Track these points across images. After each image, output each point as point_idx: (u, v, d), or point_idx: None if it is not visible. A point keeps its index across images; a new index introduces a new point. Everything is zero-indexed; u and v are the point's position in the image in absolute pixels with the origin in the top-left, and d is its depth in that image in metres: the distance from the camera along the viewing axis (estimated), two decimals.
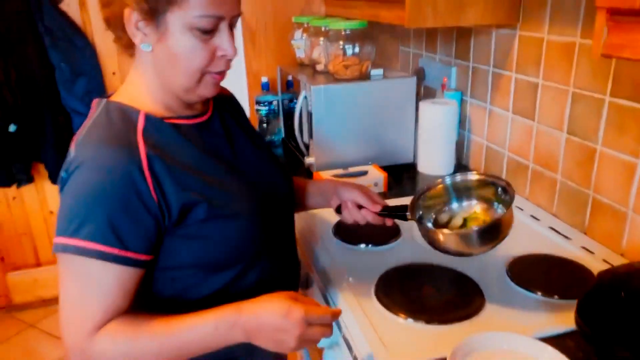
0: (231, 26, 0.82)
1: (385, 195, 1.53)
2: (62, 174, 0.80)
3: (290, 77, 2.06)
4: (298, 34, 2.01)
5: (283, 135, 2.09)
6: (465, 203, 1.04)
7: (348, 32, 1.65)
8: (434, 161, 1.67)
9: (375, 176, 1.54)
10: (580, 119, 1.21)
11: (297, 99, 1.73)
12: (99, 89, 2.40)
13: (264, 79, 2.11)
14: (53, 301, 2.72)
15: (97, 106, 0.85)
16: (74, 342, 0.76)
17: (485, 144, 1.61)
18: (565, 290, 1.00)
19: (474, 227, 0.97)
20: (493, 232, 0.93)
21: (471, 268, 1.08)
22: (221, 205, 0.84)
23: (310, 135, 1.66)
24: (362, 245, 1.21)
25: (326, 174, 1.55)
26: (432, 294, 1.04)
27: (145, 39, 0.80)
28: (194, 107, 0.92)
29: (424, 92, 1.86)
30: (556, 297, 0.99)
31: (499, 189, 0.99)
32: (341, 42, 1.66)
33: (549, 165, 1.34)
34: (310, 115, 1.64)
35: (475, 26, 1.54)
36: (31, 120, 2.32)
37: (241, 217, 0.87)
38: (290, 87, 2.01)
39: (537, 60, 1.32)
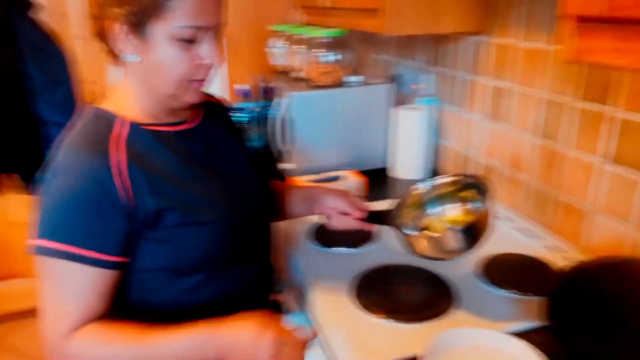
0: (216, 34, 0.84)
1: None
2: (46, 175, 0.83)
3: (270, 85, 2.08)
4: (277, 42, 2.04)
5: (264, 141, 2.11)
6: (445, 207, 1.04)
7: (327, 40, 1.68)
8: (408, 166, 1.71)
9: (353, 181, 1.57)
10: (549, 122, 1.26)
11: (277, 106, 1.75)
12: (74, 97, 2.37)
13: (245, 87, 2.12)
14: (18, 315, 2.65)
15: (85, 112, 0.89)
16: (51, 341, 0.80)
17: (458, 148, 1.66)
18: (533, 287, 1.04)
19: (448, 228, 0.96)
20: (469, 232, 0.93)
21: (444, 268, 1.11)
22: (194, 212, 0.86)
23: (290, 141, 1.68)
24: (338, 248, 1.23)
25: (305, 179, 1.57)
26: (407, 294, 1.06)
27: (132, 50, 0.82)
28: (178, 115, 0.93)
29: (398, 99, 1.90)
30: (524, 294, 1.03)
31: (478, 189, 1.00)
32: (320, 50, 1.69)
33: (518, 167, 1.39)
34: (290, 121, 1.66)
35: (450, 34, 1.59)
36: (2, 129, 2.28)
37: (212, 224, 0.89)
38: (270, 94, 2.03)
39: (509, 67, 1.37)
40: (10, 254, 2.60)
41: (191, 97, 0.88)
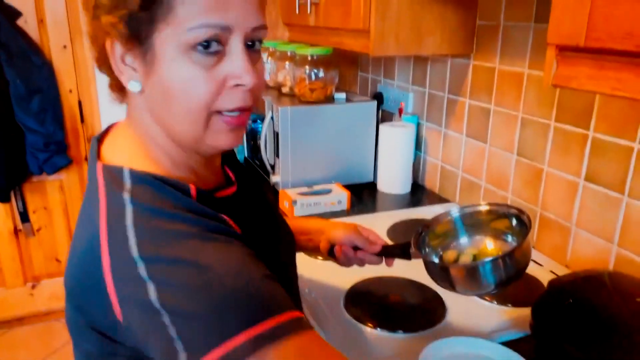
0: (248, 43, 0.61)
1: (347, 212, 1.59)
2: (153, 287, 0.53)
3: None
4: (263, 57, 2.07)
5: (245, 154, 2.13)
6: (474, 238, 0.94)
7: (314, 57, 1.73)
8: (392, 180, 1.76)
9: (339, 194, 1.61)
10: (528, 141, 1.33)
11: (261, 119, 1.78)
12: (55, 106, 2.36)
13: None
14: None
15: (118, 177, 0.60)
16: None
17: (440, 164, 1.72)
18: (518, 298, 1.09)
19: (485, 258, 0.83)
20: (507, 265, 0.80)
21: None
22: None
23: (276, 155, 1.71)
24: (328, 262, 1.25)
25: (291, 192, 1.60)
26: (398, 305, 1.10)
27: (133, 75, 0.61)
28: (214, 169, 0.72)
29: (382, 116, 1.95)
30: (510, 305, 1.08)
31: (513, 220, 0.89)
32: (307, 67, 1.73)
33: (500, 184, 1.45)
34: (276, 135, 1.69)
35: (432, 55, 1.66)
36: None
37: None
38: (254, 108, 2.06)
39: (489, 88, 1.44)
40: None
41: (223, 142, 0.62)
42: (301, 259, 1.13)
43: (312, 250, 1.02)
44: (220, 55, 0.58)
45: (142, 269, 0.53)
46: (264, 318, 0.51)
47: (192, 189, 0.61)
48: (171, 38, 0.57)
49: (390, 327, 1.00)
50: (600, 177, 1.13)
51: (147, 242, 0.54)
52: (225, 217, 0.60)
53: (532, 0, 1.25)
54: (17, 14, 2.22)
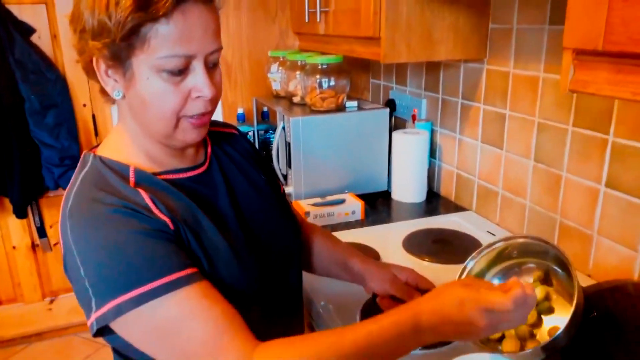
0: (209, 63, 0.75)
1: (362, 223, 1.57)
2: (65, 238, 0.72)
3: (265, 109, 2.11)
4: (274, 67, 2.06)
5: None
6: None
7: (324, 65, 1.71)
8: (407, 189, 1.73)
9: (353, 204, 1.58)
10: (546, 147, 1.29)
11: (272, 130, 1.77)
12: (69, 121, 2.38)
13: (240, 110, 2.14)
14: (14, 341, 2.61)
15: (85, 161, 0.79)
16: None
17: (456, 171, 1.69)
18: None
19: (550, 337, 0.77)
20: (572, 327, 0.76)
21: None
22: (213, 266, 0.77)
23: (289, 165, 1.69)
24: None
25: (304, 203, 1.58)
26: None
27: (116, 85, 0.75)
28: (186, 157, 0.85)
29: (395, 123, 1.93)
30: None
31: (549, 255, 0.85)
32: (317, 76, 1.72)
33: (517, 192, 1.41)
34: (288, 145, 1.68)
35: (445, 60, 1.63)
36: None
37: (230, 279, 0.79)
38: (266, 118, 2.05)
39: (504, 92, 1.41)
40: (11, 279, 2.57)
41: (190, 137, 0.78)
42: (313, 278, 1.11)
43: (339, 279, 1.09)
44: (185, 73, 0.73)
45: (68, 228, 0.71)
46: (150, 279, 0.66)
47: (131, 170, 0.77)
48: (145, 62, 0.71)
49: None
50: (622, 183, 1.09)
51: (75, 209, 0.72)
52: (146, 196, 0.73)
53: (546, 2, 1.22)
54: (31, 30, 2.24)
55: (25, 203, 2.41)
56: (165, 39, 0.69)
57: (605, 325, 0.85)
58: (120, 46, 0.69)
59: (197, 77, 0.73)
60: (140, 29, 0.68)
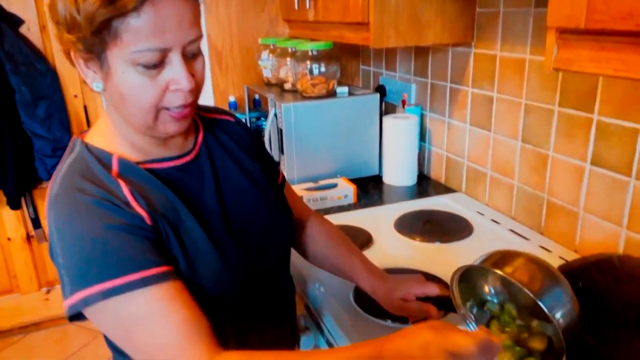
0: (187, 54, 0.72)
1: (354, 206, 1.59)
2: (51, 223, 0.73)
3: (257, 96, 2.12)
4: (265, 54, 2.07)
5: None
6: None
7: (314, 52, 1.73)
8: (398, 172, 1.76)
9: (345, 188, 1.61)
10: (532, 128, 1.32)
11: (264, 117, 1.78)
12: (61, 112, 2.37)
13: (231, 98, 2.15)
14: (12, 332, 2.63)
15: (73, 146, 0.80)
16: None
17: (446, 154, 1.71)
18: None
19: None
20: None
21: (440, 270, 1.15)
22: (191, 262, 0.76)
23: (281, 151, 1.71)
24: None
25: (297, 188, 1.60)
26: None
27: (95, 77, 0.73)
28: (173, 145, 0.83)
29: (385, 108, 1.95)
30: None
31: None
32: (308, 62, 1.73)
33: (506, 172, 1.44)
34: (280, 131, 1.69)
35: (433, 45, 1.65)
36: None
37: (211, 276, 0.78)
38: (258, 106, 2.07)
39: (491, 75, 1.43)
40: (7, 270, 2.58)
41: (171, 129, 0.76)
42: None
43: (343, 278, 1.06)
44: (162, 65, 0.70)
45: (51, 215, 0.72)
46: (119, 274, 0.67)
47: (114, 159, 0.77)
48: (119, 56, 0.69)
49: (401, 319, 1.00)
50: (607, 161, 1.13)
51: (58, 196, 0.73)
52: (125, 188, 0.74)
53: None
54: (19, 21, 2.23)
55: (18, 194, 2.41)
56: (137, 33, 0.66)
57: (590, 296, 0.89)
58: (93, 41, 0.67)
59: (175, 70, 0.71)
60: (110, 23, 0.66)
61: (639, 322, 0.86)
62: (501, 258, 0.80)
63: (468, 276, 0.86)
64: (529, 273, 0.76)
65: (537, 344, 0.81)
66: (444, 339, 0.63)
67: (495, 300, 0.88)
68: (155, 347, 0.68)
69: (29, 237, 2.56)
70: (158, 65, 0.70)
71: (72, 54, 0.72)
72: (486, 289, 0.89)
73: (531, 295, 0.72)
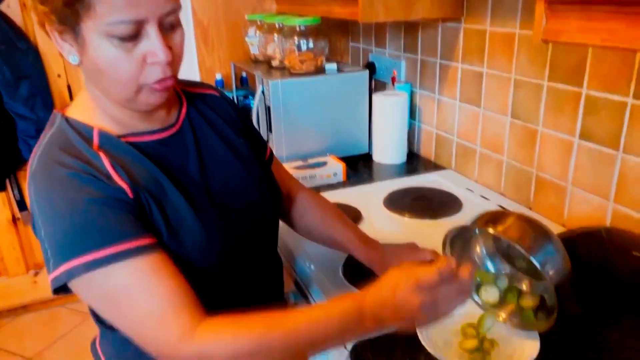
0: (164, 26, 0.71)
1: (344, 184, 1.59)
2: (31, 197, 0.72)
3: (244, 73, 2.09)
4: (251, 31, 2.04)
5: None
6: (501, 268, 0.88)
7: (302, 28, 1.70)
8: (387, 150, 1.75)
9: (334, 166, 1.60)
10: (522, 103, 1.31)
11: (252, 95, 1.76)
12: (44, 92, 2.33)
13: (218, 76, 2.12)
14: (0, 314, 2.62)
15: (53, 120, 0.79)
16: (178, 353, 0.67)
17: (435, 131, 1.71)
18: None
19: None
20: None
21: (429, 245, 1.14)
22: (175, 235, 0.76)
23: (269, 129, 1.70)
24: None
25: (287, 166, 1.58)
26: None
27: (71, 50, 0.71)
28: (155, 119, 0.81)
29: (375, 86, 1.93)
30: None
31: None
32: (296, 38, 1.71)
33: (495, 148, 1.44)
34: (268, 109, 1.67)
35: (422, 20, 1.63)
36: None
37: (196, 248, 0.78)
38: (245, 84, 2.04)
39: (481, 51, 1.42)
40: None
41: (153, 100, 0.75)
42: (297, 236, 1.13)
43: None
44: (138, 38, 0.69)
45: (32, 189, 0.71)
46: (101, 246, 0.67)
47: (95, 132, 0.76)
48: (94, 29, 0.67)
49: None
50: (595, 135, 1.13)
51: (38, 170, 0.72)
52: (106, 161, 0.73)
53: None
54: None
55: (3, 176, 2.37)
56: (110, 5, 0.65)
57: (577, 266, 0.89)
58: (65, 12, 0.66)
59: (151, 42, 0.69)
60: None
61: (625, 293, 0.87)
62: (492, 218, 0.80)
63: (460, 240, 0.86)
64: (520, 231, 0.76)
65: (529, 302, 0.83)
66: (408, 275, 0.67)
67: (488, 263, 0.89)
68: (141, 317, 0.68)
69: (14, 220, 2.53)
70: (134, 37, 0.68)
71: (46, 26, 0.71)
72: (478, 250, 0.90)
73: (523, 252, 0.73)
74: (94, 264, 0.66)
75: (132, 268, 0.68)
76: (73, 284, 0.68)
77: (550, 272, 0.73)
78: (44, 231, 0.70)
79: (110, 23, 0.66)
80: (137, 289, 0.68)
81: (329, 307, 0.71)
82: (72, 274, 0.67)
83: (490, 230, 0.77)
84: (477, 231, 0.87)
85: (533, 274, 0.85)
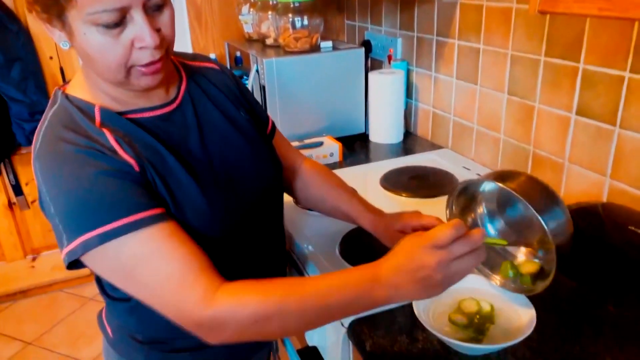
0: (151, 8, 0.70)
1: (340, 164, 1.58)
2: (38, 177, 0.73)
3: (238, 53, 2.06)
4: (245, 9, 2.01)
5: None
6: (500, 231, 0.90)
7: (297, 4, 1.68)
8: (384, 130, 1.74)
9: (331, 146, 1.59)
10: (519, 79, 1.30)
11: (246, 75, 1.74)
12: (36, 74, 2.30)
13: (212, 56, 2.09)
14: (4, 298, 2.63)
15: (55, 98, 0.79)
16: (193, 314, 0.68)
17: (432, 110, 1.69)
18: None
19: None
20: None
21: None
22: (176, 210, 0.76)
23: (264, 109, 1.68)
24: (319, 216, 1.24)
25: None
26: (387, 249, 1.10)
27: (62, 36, 0.72)
28: (154, 96, 0.82)
29: (371, 64, 1.91)
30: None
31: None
32: (290, 15, 1.68)
33: (492, 126, 1.43)
34: (262, 88, 1.66)
35: None
36: None
37: (199, 222, 0.78)
38: (239, 63, 2.02)
39: (477, 27, 1.40)
40: None
41: (144, 83, 0.75)
42: (294, 216, 1.12)
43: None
44: (124, 24, 0.68)
45: (37, 168, 0.72)
46: (115, 218, 0.67)
47: (97, 109, 0.76)
48: (78, 18, 0.67)
49: None
50: (592, 110, 1.11)
51: (43, 148, 0.72)
52: (111, 137, 0.73)
53: None
54: None
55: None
56: None
57: (574, 244, 0.89)
58: (47, 2, 0.66)
59: (137, 27, 0.69)
60: None
61: (620, 266, 0.87)
62: (502, 175, 0.82)
63: (464, 198, 0.88)
64: (530, 190, 0.78)
65: (529, 268, 0.84)
66: (422, 237, 0.66)
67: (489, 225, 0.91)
68: (159, 283, 0.69)
69: (11, 205, 2.52)
70: (119, 24, 0.68)
71: (35, 13, 0.71)
72: (480, 211, 0.92)
73: (531, 208, 0.74)
74: (109, 234, 0.67)
75: (146, 236, 0.69)
76: (88, 257, 0.69)
77: (555, 235, 0.73)
78: (53, 208, 0.69)
79: (93, 12, 0.65)
80: (154, 255, 0.69)
81: (345, 275, 0.71)
82: (87, 246, 0.67)
83: (502, 185, 0.78)
84: (484, 187, 0.88)
85: (531, 240, 0.86)
